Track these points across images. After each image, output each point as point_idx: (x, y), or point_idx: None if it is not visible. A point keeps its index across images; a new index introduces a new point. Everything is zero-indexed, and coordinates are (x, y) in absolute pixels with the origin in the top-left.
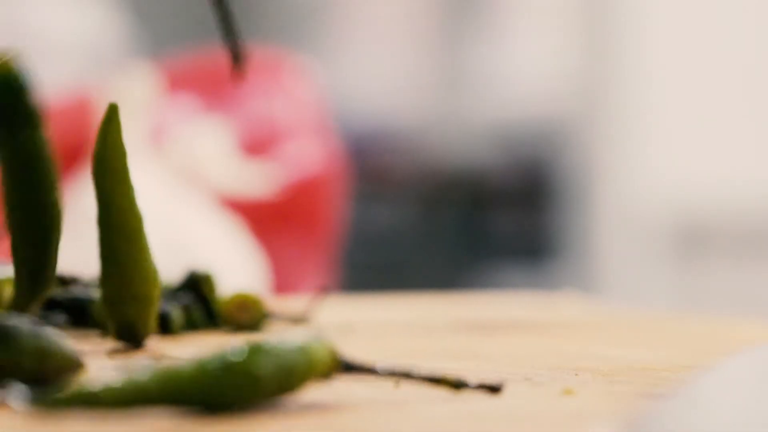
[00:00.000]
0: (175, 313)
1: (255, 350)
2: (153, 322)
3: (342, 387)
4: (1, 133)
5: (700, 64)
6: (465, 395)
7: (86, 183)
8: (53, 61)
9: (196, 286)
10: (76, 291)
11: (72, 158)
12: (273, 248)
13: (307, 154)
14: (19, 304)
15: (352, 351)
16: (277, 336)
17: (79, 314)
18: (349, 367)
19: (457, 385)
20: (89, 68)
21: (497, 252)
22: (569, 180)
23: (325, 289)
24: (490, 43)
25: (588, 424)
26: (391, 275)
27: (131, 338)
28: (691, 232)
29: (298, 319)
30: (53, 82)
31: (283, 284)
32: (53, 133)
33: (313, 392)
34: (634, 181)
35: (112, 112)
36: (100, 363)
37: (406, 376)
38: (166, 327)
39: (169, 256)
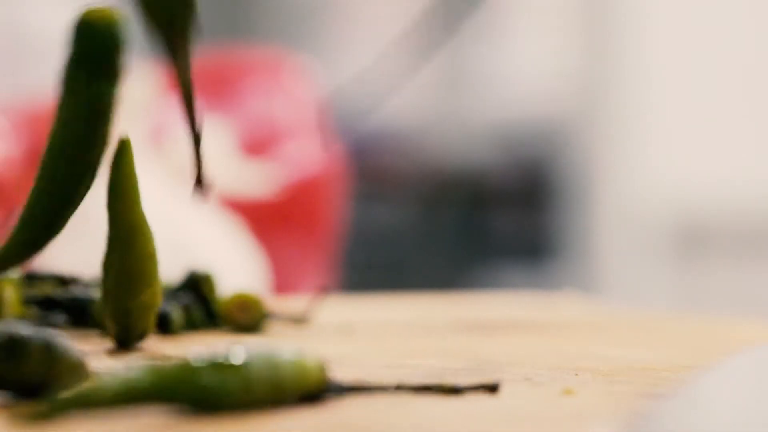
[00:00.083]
0: (175, 313)
1: (248, 354)
2: (152, 325)
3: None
4: (76, 77)
5: (700, 64)
6: (464, 396)
7: None
8: (53, 61)
9: (196, 286)
10: (76, 291)
11: None
12: (273, 248)
13: (307, 154)
14: (11, 253)
15: (352, 351)
16: (273, 344)
17: (79, 314)
18: (338, 389)
19: (454, 390)
20: None
21: (497, 252)
22: (569, 180)
23: (325, 289)
24: (490, 43)
25: (588, 424)
26: (391, 275)
27: (129, 341)
28: (691, 232)
29: (298, 319)
30: (53, 82)
31: (283, 284)
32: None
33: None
34: (634, 181)
35: (124, 145)
36: (101, 363)
37: (398, 388)
38: (166, 327)
39: (169, 256)
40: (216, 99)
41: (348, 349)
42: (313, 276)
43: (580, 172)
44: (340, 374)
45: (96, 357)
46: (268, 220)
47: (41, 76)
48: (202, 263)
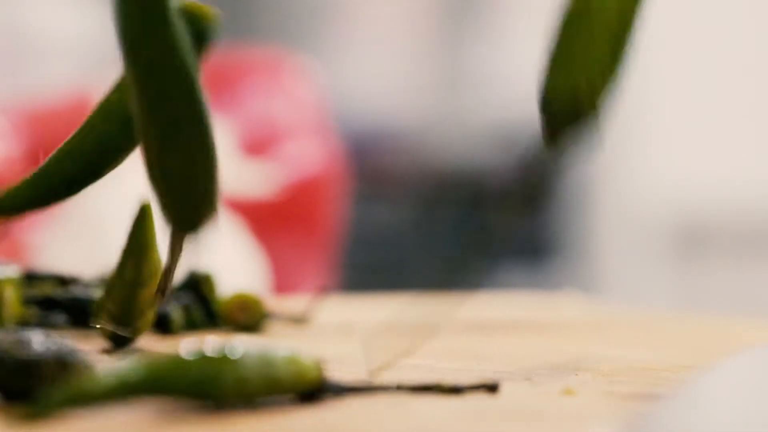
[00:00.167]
0: (175, 313)
1: (242, 349)
2: (148, 325)
3: None
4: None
5: (701, 64)
6: (464, 395)
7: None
8: (53, 61)
9: (196, 286)
10: (76, 291)
11: None
12: (273, 248)
13: (307, 154)
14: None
15: (352, 351)
16: (270, 342)
17: (79, 314)
18: (332, 388)
19: (453, 390)
20: (89, 68)
21: (497, 252)
22: (569, 180)
23: (325, 289)
24: (490, 43)
25: (588, 424)
26: (391, 275)
27: (123, 341)
28: (691, 232)
29: (298, 319)
30: (53, 82)
31: (283, 284)
32: (54, 133)
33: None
34: (635, 181)
35: (145, 211)
36: (102, 363)
37: (398, 388)
38: (166, 327)
39: None
40: (216, 99)
41: (348, 349)
42: (313, 276)
43: (580, 172)
44: (341, 374)
45: (96, 357)
46: (268, 220)
47: (41, 76)
48: (202, 263)
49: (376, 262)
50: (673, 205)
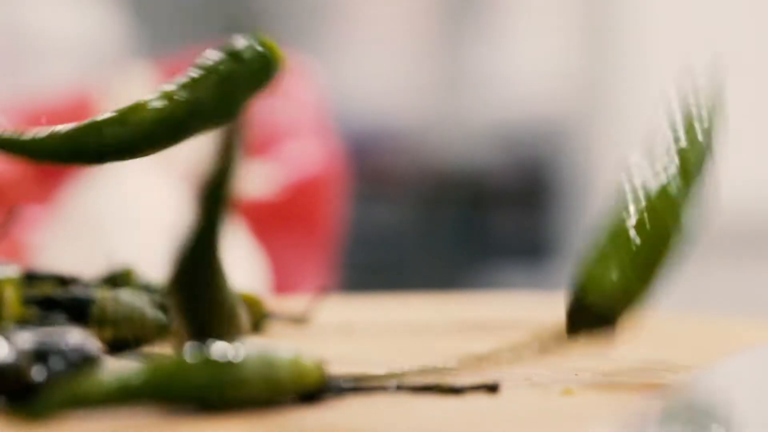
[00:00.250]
0: None
1: (243, 352)
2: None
3: None
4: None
5: (701, 64)
6: (464, 395)
7: (86, 184)
8: (53, 61)
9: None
10: (76, 291)
11: None
12: (273, 248)
13: (307, 154)
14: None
15: (352, 351)
16: (271, 343)
17: (79, 314)
18: (334, 388)
19: (453, 390)
20: (89, 68)
21: (497, 252)
22: (569, 180)
23: (325, 289)
24: (490, 43)
25: (588, 424)
26: (391, 275)
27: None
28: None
29: (298, 319)
30: (53, 82)
31: (283, 284)
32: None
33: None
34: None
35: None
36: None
37: (399, 388)
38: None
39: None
40: None
41: (348, 349)
42: (313, 276)
43: (580, 172)
44: (340, 374)
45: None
46: (268, 220)
47: (41, 76)
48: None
49: (376, 262)
50: None
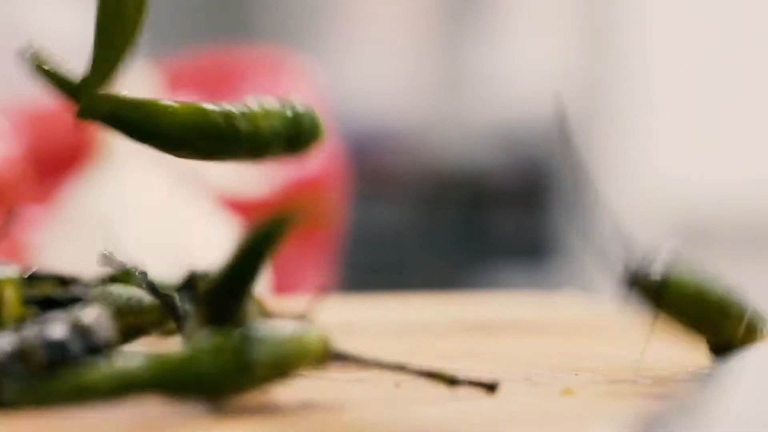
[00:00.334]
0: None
1: (247, 337)
2: None
3: (340, 387)
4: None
5: (701, 64)
6: (464, 395)
7: (86, 184)
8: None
9: (196, 286)
10: (76, 291)
11: (72, 158)
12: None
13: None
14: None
15: (352, 351)
16: (270, 324)
17: None
18: (340, 357)
19: (452, 381)
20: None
21: (497, 252)
22: (569, 180)
23: (325, 289)
24: (490, 43)
25: (588, 425)
26: (391, 275)
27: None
28: (691, 232)
29: (298, 319)
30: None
31: (283, 284)
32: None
33: (311, 391)
34: (635, 181)
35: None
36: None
37: (400, 369)
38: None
39: (170, 256)
40: (216, 99)
41: (348, 349)
42: (313, 276)
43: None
44: (340, 374)
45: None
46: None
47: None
48: (202, 263)
49: (376, 262)
50: (673, 204)
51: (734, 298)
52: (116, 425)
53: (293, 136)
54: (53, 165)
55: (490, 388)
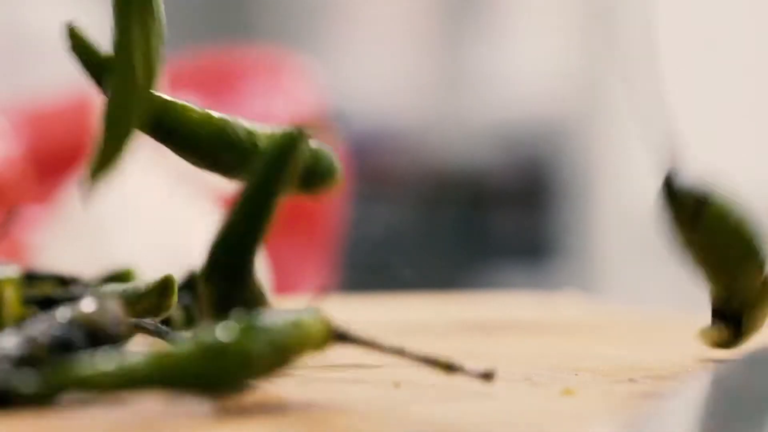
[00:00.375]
0: (175, 313)
1: (247, 329)
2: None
3: (340, 387)
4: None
5: (701, 64)
6: (464, 396)
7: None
8: (53, 61)
9: (196, 286)
10: (76, 291)
11: (72, 158)
12: (273, 248)
13: None
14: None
15: (352, 351)
16: (269, 313)
17: None
18: (342, 337)
19: (449, 367)
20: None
21: (497, 252)
22: (569, 180)
23: (325, 289)
24: (490, 43)
25: (588, 424)
26: (391, 275)
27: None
28: None
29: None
30: (53, 82)
31: (283, 284)
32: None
33: (311, 391)
34: (634, 181)
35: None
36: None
37: (399, 352)
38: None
39: (169, 256)
40: (216, 99)
41: (348, 349)
42: (313, 276)
43: (580, 172)
44: (340, 374)
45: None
46: None
47: (41, 76)
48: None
49: (376, 262)
50: None
51: (764, 247)
52: (116, 425)
53: (309, 171)
54: (53, 165)
55: (486, 376)
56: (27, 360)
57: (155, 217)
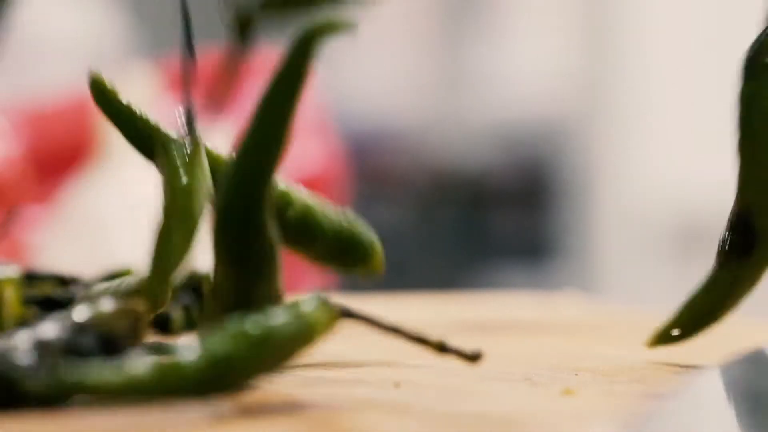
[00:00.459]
0: (175, 313)
1: (251, 336)
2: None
3: (341, 387)
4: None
5: (701, 64)
6: (464, 395)
7: (86, 183)
8: (53, 61)
9: (196, 286)
10: (76, 291)
11: (72, 158)
12: None
13: (307, 154)
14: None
15: (352, 351)
16: (268, 315)
17: None
18: (347, 314)
19: (440, 347)
20: (89, 68)
21: (497, 252)
22: (569, 180)
23: (325, 289)
24: (490, 43)
25: (588, 424)
26: (391, 275)
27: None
28: (691, 232)
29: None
30: (53, 82)
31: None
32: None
33: (311, 392)
34: (634, 181)
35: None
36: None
37: (395, 331)
38: (166, 327)
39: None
40: (216, 99)
41: (348, 349)
42: (313, 276)
43: (580, 172)
44: (340, 374)
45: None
46: None
47: (41, 76)
48: (202, 263)
49: None
50: (672, 204)
51: None
52: (117, 427)
53: (344, 244)
54: (53, 165)
55: (473, 358)
56: (38, 356)
57: (155, 217)
